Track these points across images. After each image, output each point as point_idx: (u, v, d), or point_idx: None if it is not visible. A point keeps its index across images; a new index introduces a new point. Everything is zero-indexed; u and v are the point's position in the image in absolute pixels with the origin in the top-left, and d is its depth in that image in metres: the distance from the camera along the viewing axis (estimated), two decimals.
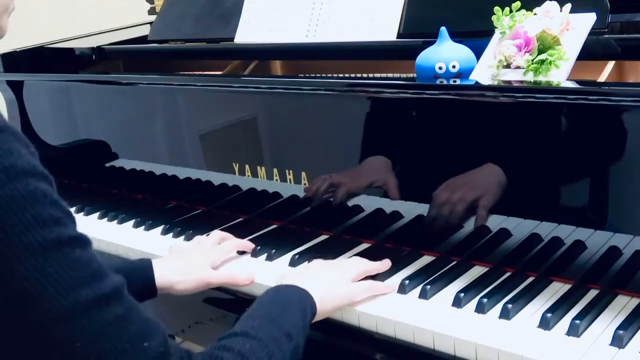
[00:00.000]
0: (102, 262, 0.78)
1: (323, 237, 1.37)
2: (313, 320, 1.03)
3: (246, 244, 1.35)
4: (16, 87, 1.86)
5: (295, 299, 1.01)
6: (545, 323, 1.00)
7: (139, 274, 1.16)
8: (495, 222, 1.16)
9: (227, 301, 1.30)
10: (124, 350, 0.75)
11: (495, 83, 1.12)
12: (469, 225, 1.19)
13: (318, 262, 1.20)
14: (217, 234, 1.36)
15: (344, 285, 1.11)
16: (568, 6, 1.12)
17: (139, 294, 1.07)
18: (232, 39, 1.61)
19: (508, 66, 1.13)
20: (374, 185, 1.29)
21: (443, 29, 1.18)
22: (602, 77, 1.19)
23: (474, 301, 1.07)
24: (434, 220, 1.22)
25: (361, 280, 1.15)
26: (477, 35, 1.21)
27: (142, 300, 1.15)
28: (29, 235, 0.71)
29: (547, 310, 1.01)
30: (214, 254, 1.29)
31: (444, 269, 1.18)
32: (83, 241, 0.76)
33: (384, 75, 1.53)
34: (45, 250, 0.72)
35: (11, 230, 0.70)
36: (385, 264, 1.20)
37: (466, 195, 1.17)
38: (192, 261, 1.25)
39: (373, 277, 1.17)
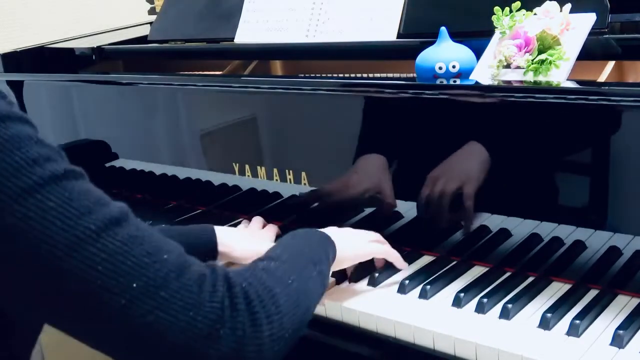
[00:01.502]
0: (102, 192, 0.78)
1: None
2: (333, 264, 1.05)
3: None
4: (16, 87, 1.86)
5: (319, 236, 1.04)
6: (545, 323, 1.00)
7: (202, 235, 1.21)
8: (495, 222, 1.16)
9: None
10: (145, 265, 0.74)
11: (495, 83, 1.12)
12: (469, 225, 1.19)
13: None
14: (260, 219, 1.40)
15: (362, 239, 1.15)
16: (568, 6, 1.12)
17: (201, 254, 1.12)
18: (232, 39, 1.61)
19: (508, 66, 1.13)
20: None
21: (443, 29, 1.18)
22: (602, 77, 1.19)
23: (474, 301, 1.07)
24: (434, 220, 1.22)
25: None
26: (477, 35, 1.21)
27: (203, 260, 1.19)
28: (21, 177, 0.71)
29: (547, 310, 1.01)
30: (270, 232, 1.34)
31: (444, 269, 1.18)
32: (78, 173, 0.77)
33: (384, 75, 1.53)
34: (42, 187, 0.72)
35: (2, 175, 0.70)
36: (403, 263, 1.20)
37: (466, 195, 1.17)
38: (255, 233, 1.31)
39: (374, 271, 1.19)
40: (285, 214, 1.44)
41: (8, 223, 0.70)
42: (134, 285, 0.73)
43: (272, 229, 1.37)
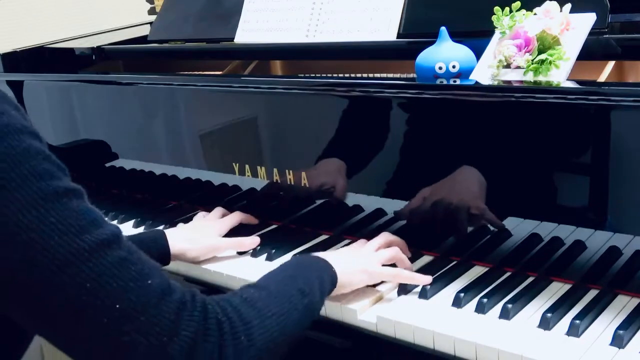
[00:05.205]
0: (99, 212, 0.83)
1: (323, 237, 1.37)
2: (333, 291, 1.07)
3: (250, 218, 1.43)
4: (16, 87, 1.86)
5: (314, 264, 1.06)
6: (545, 323, 1.00)
7: (153, 244, 1.24)
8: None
9: None
10: (130, 288, 0.79)
11: (495, 83, 1.12)
12: (469, 226, 1.19)
13: (348, 247, 1.24)
14: (219, 209, 1.46)
15: (367, 264, 1.13)
16: (568, 6, 1.12)
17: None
18: (232, 39, 1.61)
19: (508, 66, 1.13)
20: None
21: (443, 29, 1.18)
22: (602, 77, 1.19)
23: (474, 301, 1.07)
24: (434, 220, 1.22)
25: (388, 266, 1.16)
26: (477, 35, 1.21)
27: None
28: (27, 189, 0.75)
29: (547, 310, 1.01)
30: (219, 224, 1.39)
31: (444, 269, 1.18)
32: (79, 192, 0.81)
33: (384, 75, 1.53)
34: (45, 201, 0.76)
35: (10, 185, 0.74)
36: (420, 279, 1.15)
37: (466, 195, 1.17)
38: (201, 230, 1.36)
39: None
40: (285, 214, 1.44)
41: (10, 232, 0.74)
42: (117, 306, 0.78)
43: (233, 218, 1.41)
